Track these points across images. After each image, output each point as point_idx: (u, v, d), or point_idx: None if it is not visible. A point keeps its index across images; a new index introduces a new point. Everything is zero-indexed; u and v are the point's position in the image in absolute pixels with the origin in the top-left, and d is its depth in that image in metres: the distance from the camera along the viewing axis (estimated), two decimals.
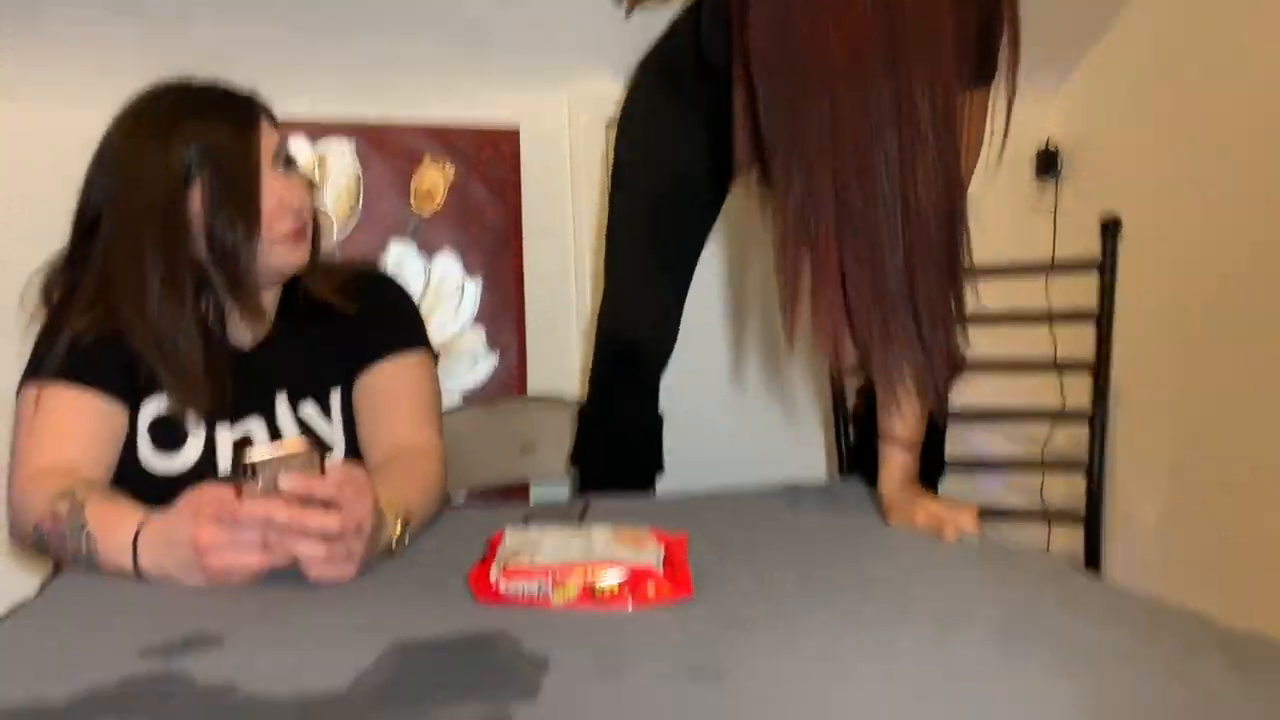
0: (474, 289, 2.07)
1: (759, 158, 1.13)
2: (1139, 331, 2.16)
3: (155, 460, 1.19)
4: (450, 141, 2.04)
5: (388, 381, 1.29)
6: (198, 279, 1.18)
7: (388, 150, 2.01)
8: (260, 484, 0.92)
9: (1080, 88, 2.38)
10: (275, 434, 1.24)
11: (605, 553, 0.93)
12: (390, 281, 1.39)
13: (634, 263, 1.56)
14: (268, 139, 1.22)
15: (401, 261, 2.03)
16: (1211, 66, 2.04)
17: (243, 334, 1.26)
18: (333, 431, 1.27)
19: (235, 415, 1.22)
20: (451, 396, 2.05)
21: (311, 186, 1.28)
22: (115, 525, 1.01)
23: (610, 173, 1.62)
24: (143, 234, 1.15)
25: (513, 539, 0.98)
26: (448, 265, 2.06)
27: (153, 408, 1.19)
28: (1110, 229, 1.77)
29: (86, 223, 1.20)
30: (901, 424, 1.28)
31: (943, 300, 1.09)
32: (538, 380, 2.13)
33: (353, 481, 0.97)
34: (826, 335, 1.09)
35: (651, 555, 0.93)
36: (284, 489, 0.93)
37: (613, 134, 2.14)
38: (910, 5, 1.03)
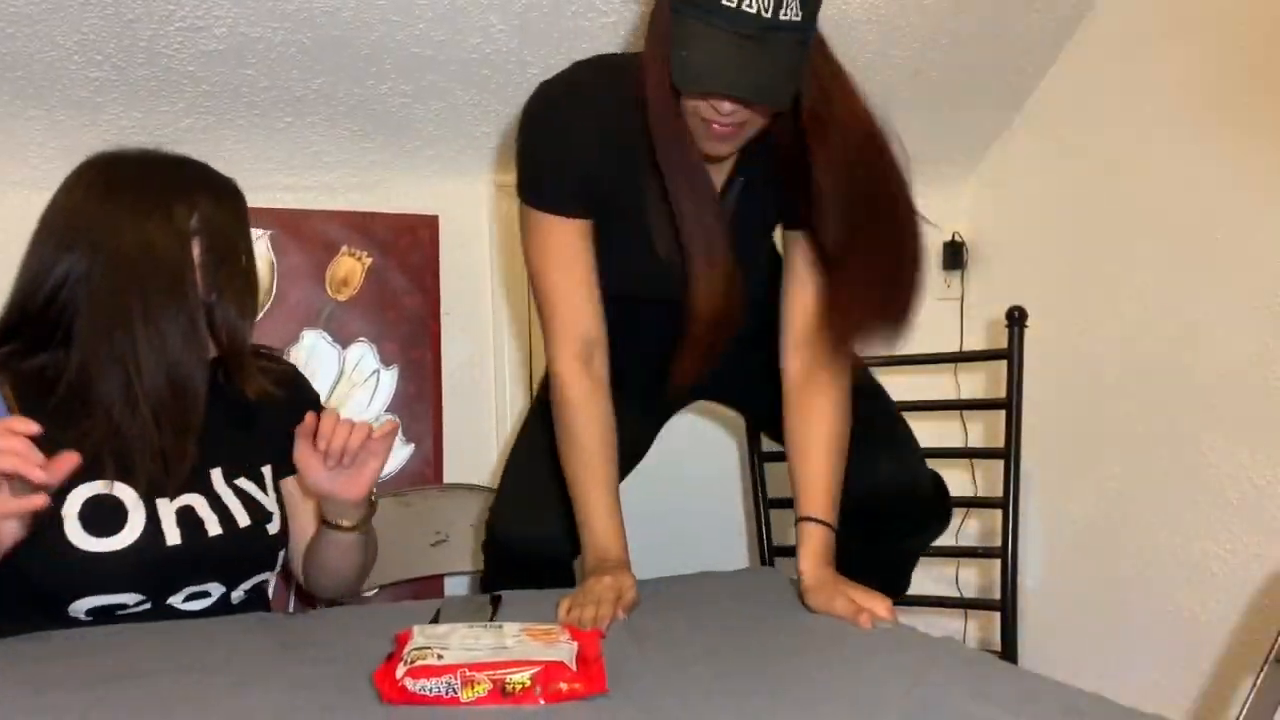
0: (389, 378, 2.05)
1: None
2: (1043, 419, 2.22)
3: (92, 544, 1.16)
4: (368, 228, 2.03)
5: None
6: None
7: (304, 238, 1.99)
8: None
9: (985, 182, 2.48)
10: (219, 507, 1.26)
11: (516, 649, 0.91)
12: (308, 381, 1.46)
13: (537, 474, 1.46)
14: None
15: (314, 349, 2.00)
16: (1108, 161, 2.14)
17: None
18: (269, 503, 1.32)
19: (174, 491, 1.23)
20: None
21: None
22: None
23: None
24: (158, 291, 1.18)
25: (420, 636, 0.95)
26: (362, 353, 2.03)
27: (81, 493, 1.17)
28: (1016, 319, 1.83)
29: (45, 294, 1.20)
30: (818, 502, 1.30)
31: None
32: (454, 471, 2.10)
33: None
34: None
35: (564, 651, 0.91)
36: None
37: None
38: None
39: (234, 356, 1.25)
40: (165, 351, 1.18)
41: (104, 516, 1.18)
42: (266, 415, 1.33)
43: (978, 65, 2.18)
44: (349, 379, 2.02)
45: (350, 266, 2.02)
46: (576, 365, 1.33)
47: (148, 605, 1.20)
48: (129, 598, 1.18)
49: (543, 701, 0.87)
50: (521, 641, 0.94)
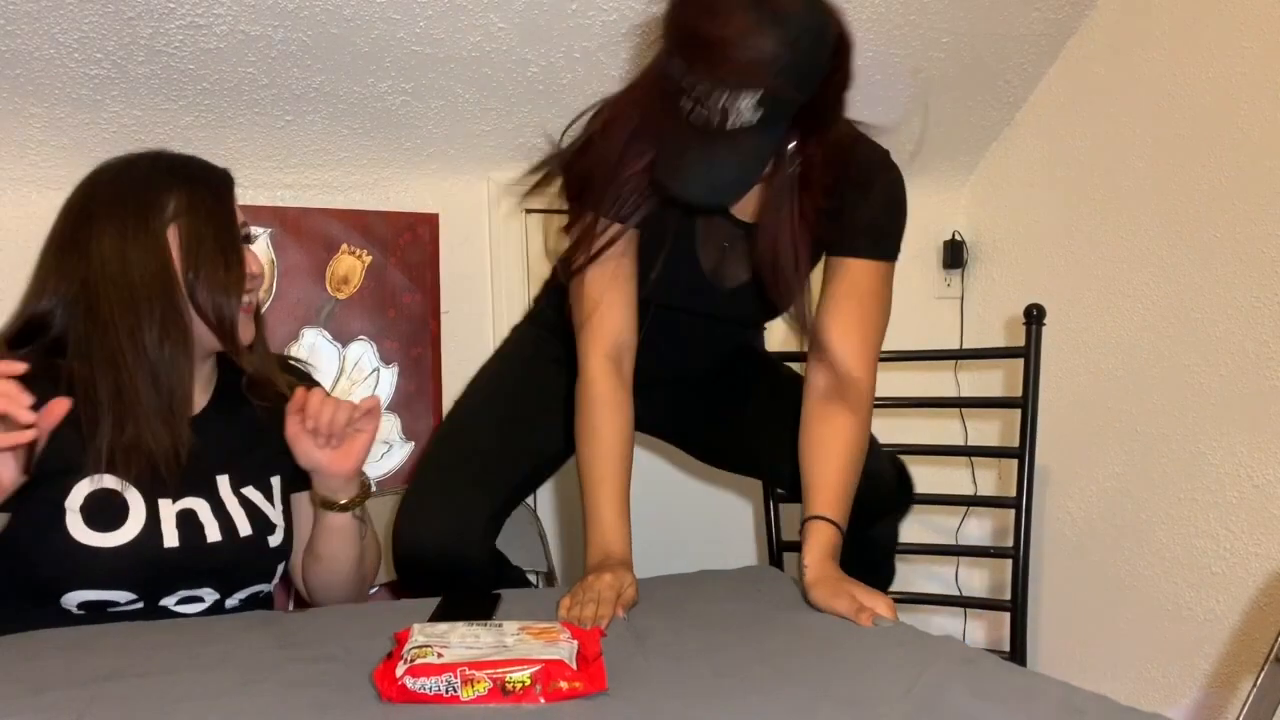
0: (389, 376, 2.04)
1: None
2: (1043, 418, 2.22)
3: (91, 538, 1.17)
4: (368, 226, 2.03)
5: None
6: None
7: (304, 236, 1.99)
8: None
9: (984, 182, 2.48)
10: (221, 513, 1.26)
11: (516, 648, 0.91)
12: (317, 386, 1.43)
13: (441, 469, 1.49)
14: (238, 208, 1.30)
15: (315, 347, 2.00)
16: (1108, 161, 2.14)
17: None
18: (275, 514, 1.32)
19: (177, 492, 1.23)
20: None
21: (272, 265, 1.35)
22: None
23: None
24: (134, 289, 1.19)
25: (420, 634, 0.95)
26: (362, 351, 2.03)
27: (84, 487, 1.18)
28: (1034, 316, 1.79)
29: (41, 315, 1.23)
30: (831, 503, 1.31)
31: None
32: None
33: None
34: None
35: (564, 649, 0.91)
36: None
37: (532, 219, 2.17)
38: None
39: (227, 336, 1.25)
40: (146, 354, 1.19)
41: (105, 511, 1.18)
42: (278, 425, 1.32)
43: (978, 65, 2.18)
44: (349, 377, 2.02)
45: (350, 264, 2.02)
46: (608, 365, 1.36)
47: (140, 604, 1.20)
48: (121, 595, 1.18)
49: (543, 700, 0.86)
50: (521, 640, 0.94)
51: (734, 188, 1.22)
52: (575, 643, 0.94)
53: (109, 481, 1.19)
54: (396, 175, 2.07)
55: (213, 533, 1.24)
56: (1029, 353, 1.79)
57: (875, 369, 1.39)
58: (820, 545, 1.27)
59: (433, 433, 2.07)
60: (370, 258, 2.03)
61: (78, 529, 1.17)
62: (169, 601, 1.22)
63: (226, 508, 1.27)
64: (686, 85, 1.13)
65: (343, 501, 1.31)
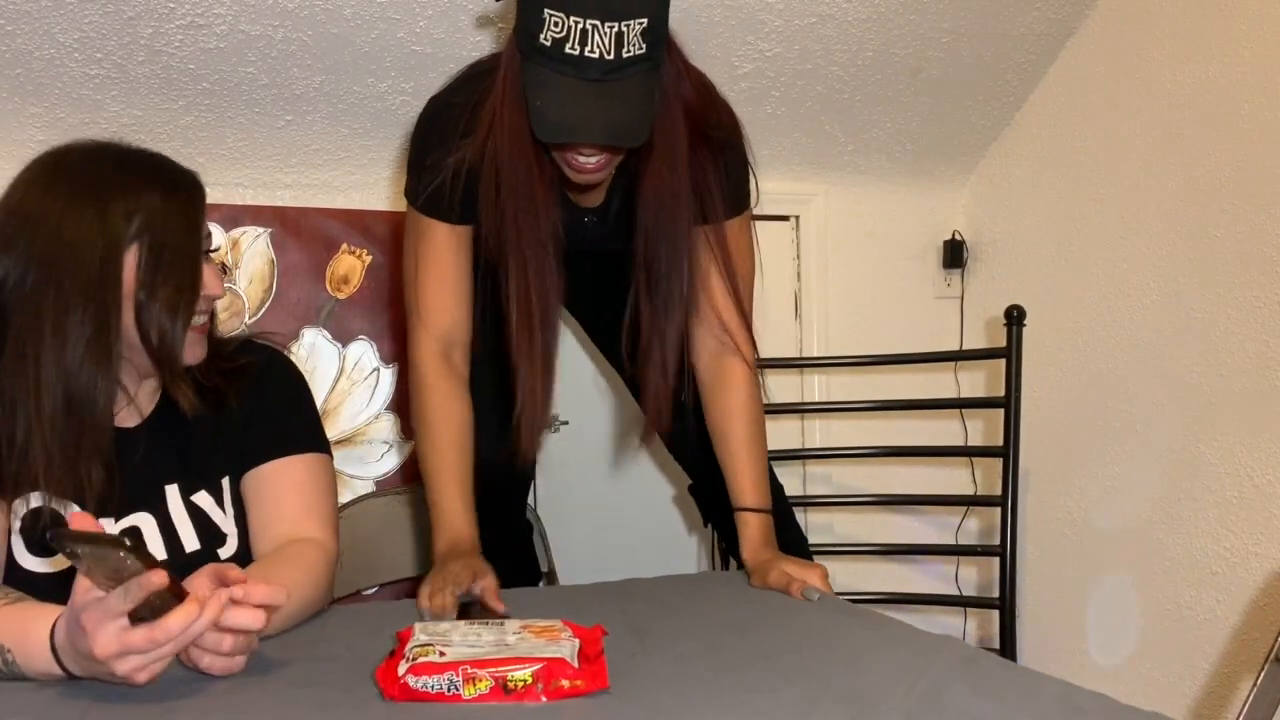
0: (389, 375, 2.04)
1: None
2: (1043, 417, 2.22)
3: (31, 562, 1.11)
4: (368, 226, 2.03)
5: (279, 478, 1.22)
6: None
7: (304, 236, 1.99)
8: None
9: (984, 182, 2.48)
10: (167, 528, 1.16)
11: (518, 646, 0.91)
12: (286, 367, 1.32)
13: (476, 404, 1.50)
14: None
15: (315, 347, 2.00)
16: (1108, 161, 2.14)
17: (125, 414, 1.18)
18: (227, 522, 1.21)
19: (120, 509, 1.15)
20: (364, 484, 2.01)
21: (225, 271, 1.23)
22: (26, 636, 0.93)
23: None
24: (72, 293, 1.06)
25: (422, 633, 0.95)
26: (362, 351, 2.03)
27: (21, 505, 1.11)
28: (1014, 317, 1.82)
29: None
30: (748, 492, 1.39)
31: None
32: None
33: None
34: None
35: (565, 648, 0.91)
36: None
37: None
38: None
39: (165, 363, 1.12)
40: (64, 363, 1.07)
41: (43, 532, 1.10)
42: (228, 417, 1.19)
43: (978, 64, 2.19)
44: (349, 377, 2.02)
45: (350, 264, 2.02)
46: (438, 361, 1.38)
47: None
48: None
49: (544, 698, 0.87)
50: (523, 639, 0.94)
51: (636, 124, 1.18)
52: (576, 641, 0.94)
53: (43, 498, 1.10)
54: (396, 175, 2.07)
55: (156, 551, 1.14)
56: (1010, 353, 1.82)
57: (752, 325, 1.44)
58: (751, 537, 1.36)
59: None
60: (370, 257, 2.03)
61: (20, 552, 1.10)
62: None
63: (173, 521, 1.16)
64: (558, 37, 1.12)
65: None
